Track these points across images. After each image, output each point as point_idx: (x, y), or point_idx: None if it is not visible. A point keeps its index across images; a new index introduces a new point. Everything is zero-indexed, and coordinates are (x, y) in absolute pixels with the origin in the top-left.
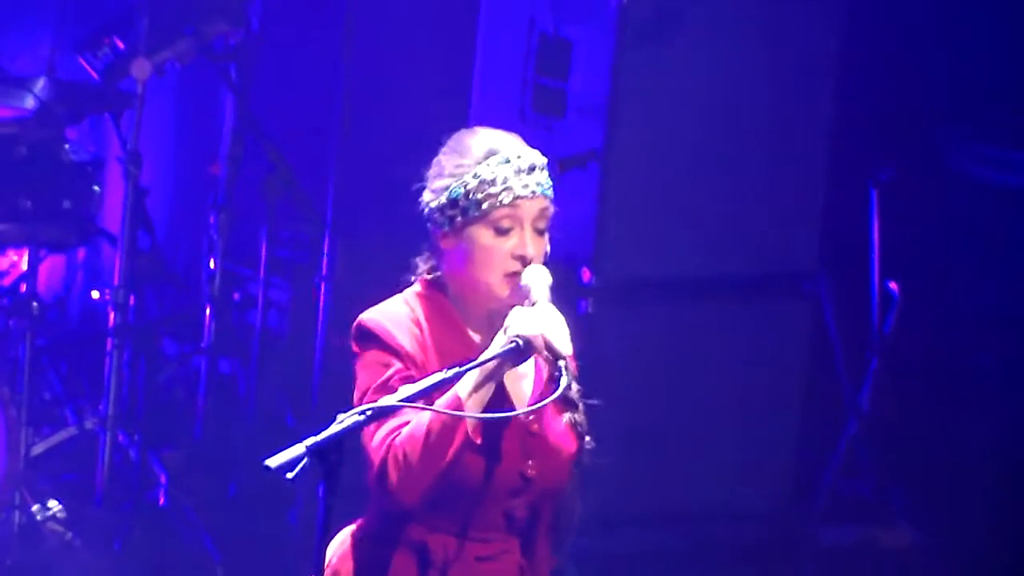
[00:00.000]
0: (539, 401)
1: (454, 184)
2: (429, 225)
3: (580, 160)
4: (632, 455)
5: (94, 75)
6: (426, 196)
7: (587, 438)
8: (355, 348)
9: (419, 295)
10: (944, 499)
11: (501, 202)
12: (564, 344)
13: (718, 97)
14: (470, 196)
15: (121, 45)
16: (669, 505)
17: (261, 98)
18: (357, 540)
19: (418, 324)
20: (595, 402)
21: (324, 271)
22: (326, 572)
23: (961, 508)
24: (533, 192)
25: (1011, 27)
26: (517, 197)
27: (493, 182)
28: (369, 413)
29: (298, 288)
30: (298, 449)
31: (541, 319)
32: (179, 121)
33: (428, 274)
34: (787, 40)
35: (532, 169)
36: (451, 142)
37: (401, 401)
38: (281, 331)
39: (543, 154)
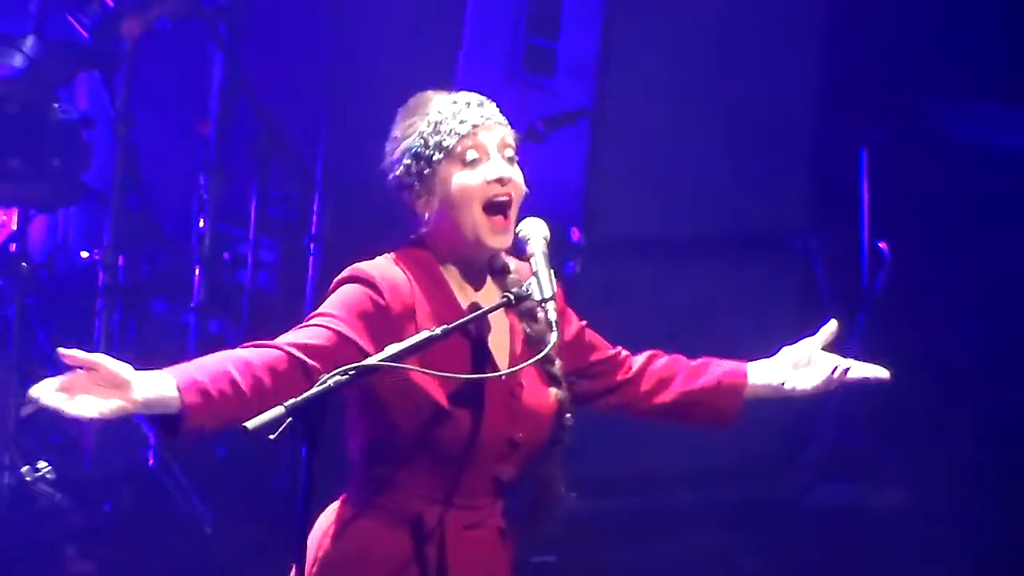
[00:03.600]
0: (525, 360)
1: (412, 142)
2: (404, 195)
3: (570, 118)
4: (622, 417)
5: (84, 33)
6: (390, 172)
7: (566, 402)
8: (335, 287)
9: (406, 254)
10: (934, 459)
11: (459, 133)
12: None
13: (708, 56)
14: (428, 142)
15: (111, 3)
16: (659, 467)
17: (251, 57)
18: (341, 514)
19: (408, 282)
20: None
21: (314, 230)
22: (315, 550)
23: (951, 468)
24: (487, 119)
25: None
26: (474, 126)
27: (445, 119)
28: (352, 373)
29: (288, 247)
30: (278, 410)
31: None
32: (169, 80)
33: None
34: (778, 1)
35: (480, 103)
36: (396, 119)
37: (384, 360)
38: (271, 291)
39: (533, 113)
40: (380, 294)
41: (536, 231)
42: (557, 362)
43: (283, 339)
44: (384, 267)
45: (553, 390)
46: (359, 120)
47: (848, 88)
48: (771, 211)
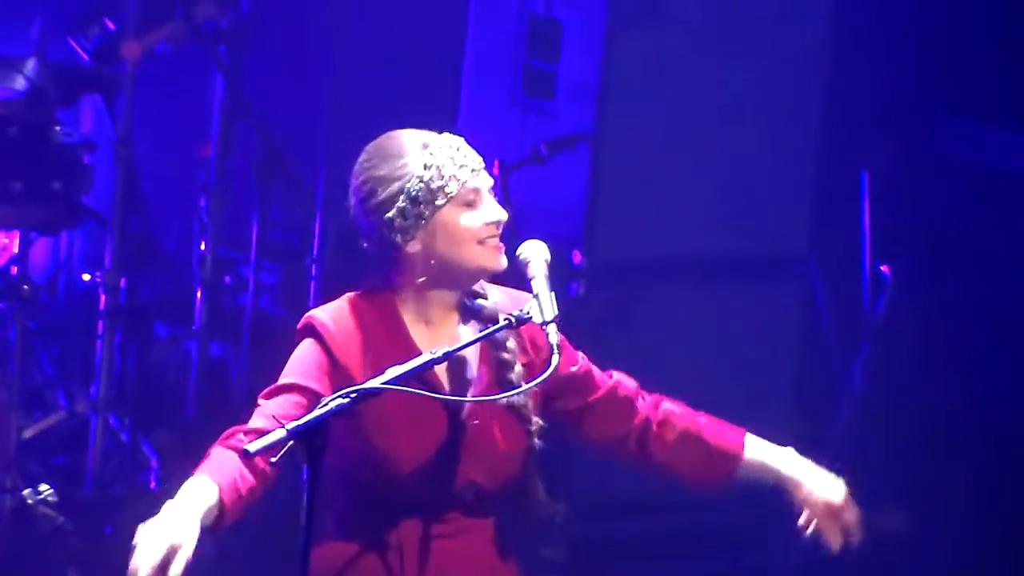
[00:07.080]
0: (492, 386)
1: (405, 183)
2: (392, 235)
3: (570, 142)
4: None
5: (84, 56)
6: (375, 214)
7: (535, 429)
8: (297, 339)
9: (366, 296)
10: (936, 483)
11: (463, 180)
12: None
13: (709, 79)
14: (432, 185)
15: (111, 26)
16: (662, 489)
17: (252, 80)
18: (323, 538)
19: (361, 328)
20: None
21: (315, 253)
22: None
23: (953, 492)
24: (479, 163)
25: (1003, 8)
26: (472, 170)
27: (447, 164)
28: (354, 396)
29: (289, 270)
30: (280, 433)
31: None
32: (170, 103)
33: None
34: (779, 23)
35: (466, 145)
36: (370, 157)
37: (385, 383)
38: (273, 314)
39: (533, 136)
40: (332, 345)
41: (537, 254)
42: (517, 372)
43: (256, 420)
44: (339, 314)
45: (517, 408)
46: (361, 143)
47: (850, 110)
48: (772, 234)
